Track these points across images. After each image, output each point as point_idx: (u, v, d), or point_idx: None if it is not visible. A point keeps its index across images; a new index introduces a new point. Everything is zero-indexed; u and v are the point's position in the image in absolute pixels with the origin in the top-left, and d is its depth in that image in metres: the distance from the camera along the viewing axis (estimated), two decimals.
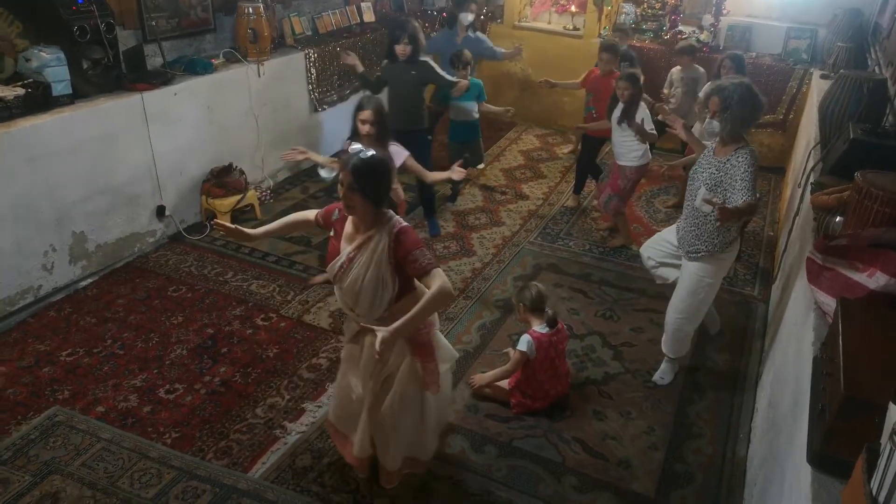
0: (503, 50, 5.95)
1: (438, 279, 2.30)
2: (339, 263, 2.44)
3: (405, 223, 2.41)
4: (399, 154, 3.68)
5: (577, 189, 5.62)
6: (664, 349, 3.53)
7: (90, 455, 2.96)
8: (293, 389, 3.43)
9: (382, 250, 2.35)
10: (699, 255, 3.20)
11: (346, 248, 2.44)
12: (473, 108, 5.37)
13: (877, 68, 4.44)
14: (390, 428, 2.63)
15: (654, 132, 4.58)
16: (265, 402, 3.33)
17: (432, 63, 4.78)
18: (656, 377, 3.57)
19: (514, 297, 3.46)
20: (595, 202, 5.64)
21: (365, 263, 2.37)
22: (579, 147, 5.93)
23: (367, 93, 4.66)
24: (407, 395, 2.60)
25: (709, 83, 3.31)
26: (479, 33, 5.89)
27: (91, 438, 3.05)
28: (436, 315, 2.64)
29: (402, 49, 4.60)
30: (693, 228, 3.20)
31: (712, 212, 3.00)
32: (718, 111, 2.97)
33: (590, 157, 5.50)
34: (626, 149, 4.66)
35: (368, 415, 2.64)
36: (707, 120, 3.06)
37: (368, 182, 2.30)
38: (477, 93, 5.33)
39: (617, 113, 4.59)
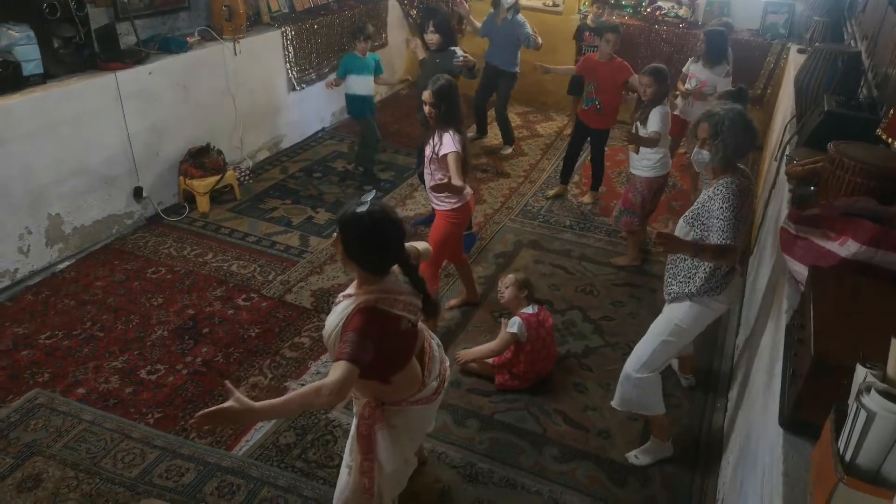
0: (535, 37, 5.66)
1: (335, 374, 1.85)
2: (335, 300, 2.18)
3: (372, 305, 2.00)
4: (448, 146, 3.35)
5: (565, 177, 5.33)
6: (614, 402, 2.98)
7: (72, 436, 2.96)
8: (276, 368, 3.43)
9: (345, 315, 2.02)
10: (672, 296, 2.79)
11: (346, 291, 2.16)
12: (366, 81, 5.21)
13: (852, 42, 4.47)
14: None
15: (657, 134, 4.02)
16: (248, 382, 3.34)
17: (459, 52, 4.56)
18: (631, 457, 3.00)
19: (511, 287, 3.39)
20: (579, 189, 5.65)
21: (336, 313, 2.09)
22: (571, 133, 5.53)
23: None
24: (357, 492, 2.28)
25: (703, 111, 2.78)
26: (518, 16, 5.71)
27: (72, 420, 3.04)
28: (394, 415, 2.20)
29: (429, 38, 4.49)
30: (671, 266, 2.83)
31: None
32: (708, 138, 2.64)
33: (597, 150, 5.14)
34: (638, 155, 4.17)
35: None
36: (695, 150, 2.73)
37: (345, 237, 2.04)
38: (373, 67, 5.20)
39: (661, 120, 4.04)
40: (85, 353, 3.47)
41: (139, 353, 3.49)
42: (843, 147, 2.44)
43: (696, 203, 2.73)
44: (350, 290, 2.14)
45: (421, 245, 2.38)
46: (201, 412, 1.75)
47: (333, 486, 2.75)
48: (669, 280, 2.82)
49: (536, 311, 3.35)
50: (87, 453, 2.88)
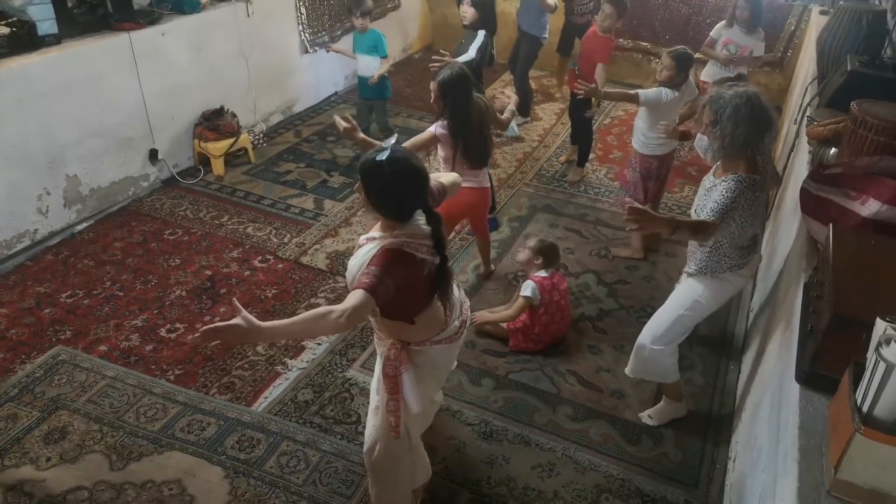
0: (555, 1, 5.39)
1: (348, 302, 1.85)
2: (358, 242, 2.20)
3: (398, 248, 2.00)
4: (431, 128, 3.28)
5: (581, 160, 5.05)
6: (628, 370, 2.96)
7: (95, 391, 3.03)
8: None
9: (369, 257, 2.02)
10: (693, 272, 2.74)
11: (368, 234, 2.18)
12: (373, 63, 4.89)
13: (877, 1, 4.37)
14: (369, 463, 2.38)
15: (625, 94, 3.93)
16: None
17: (481, 36, 4.35)
18: (645, 417, 3.03)
19: (527, 249, 3.41)
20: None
21: (358, 256, 2.11)
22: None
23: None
24: (384, 431, 2.30)
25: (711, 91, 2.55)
26: None
27: (95, 376, 3.11)
28: (417, 355, 2.23)
29: (463, 10, 4.32)
30: (691, 249, 2.76)
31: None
32: (709, 125, 2.45)
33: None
34: (636, 129, 4.00)
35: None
36: (698, 136, 2.60)
37: (366, 184, 2.04)
38: (373, 45, 4.85)
39: (653, 96, 3.80)
40: (105, 311, 3.53)
41: (158, 312, 3.55)
42: (867, 106, 2.41)
43: (705, 185, 2.62)
44: (374, 232, 2.15)
45: (447, 178, 2.34)
46: (206, 327, 1.75)
47: (351, 441, 2.84)
48: (689, 261, 2.76)
49: (550, 274, 3.36)
50: (111, 408, 2.95)
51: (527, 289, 3.30)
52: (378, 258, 1.97)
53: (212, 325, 1.75)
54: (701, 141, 2.60)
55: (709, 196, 2.51)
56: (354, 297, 1.87)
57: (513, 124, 3.63)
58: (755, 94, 2.40)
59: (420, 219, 2.09)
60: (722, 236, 2.53)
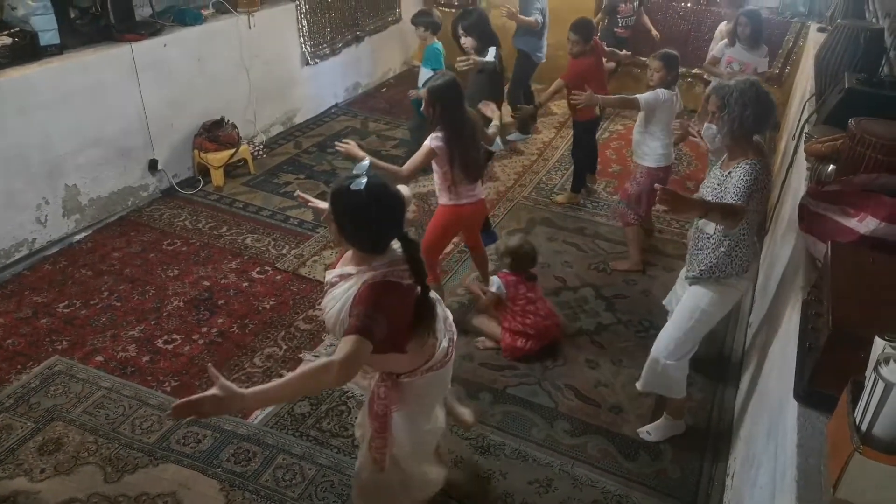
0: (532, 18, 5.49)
1: (341, 351, 1.70)
2: (327, 279, 2.05)
3: (384, 279, 1.86)
4: (427, 142, 3.18)
5: (576, 186, 4.94)
6: (640, 384, 2.95)
7: (91, 403, 3.01)
8: (290, 340, 3.47)
9: (350, 297, 1.88)
10: (695, 278, 2.73)
11: (338, 269, 2.02)
12: (426, 76, 4.79)
13: (874, 19, 4.40)
14: (357, 483, 2.32)
15: (611, 97, 4.06)
16: (263, 352, 3.37)
17: (493, 52, 4.41)
18: (643, 433, 3.02)
19: (507, 246, 3.57)
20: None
21: (335, 297, 1.95)
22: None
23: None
24: (368, 462, 2.21)
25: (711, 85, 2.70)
26: None
27: (91, 387, 3.09)
28: (409, 388, 2.09)
29: (463, 42, 4.36)
30: (695, 251, 2.73)
31: (715, 233, 2.61)
32: (717, 111, 2.54)
33: (584, 143, 4.90)
34: (637, 141, 3.99)
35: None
36: (705, 125, 2.69)
37: (338, 215, 1.89)
38: (426, 58, 4.78)
39: (651, 96, 3.84)
40: (102, 322, 3.52)
41: (156, 322, 3.54)
42: (865, 123, 2.42)
43: (714, 180, 2.63)
44: (347, 268, 1.97)
45: (403, 191, 2.17)
46: (178, 402, 1.56)
47: (347, 454, 2.82)
48: (694, 265, 2.73)
49: (516, 275, 3.48)
50: (106, 419, 2.93)
51: (493, 285, 3.47)
52: (363, 297, 1.81)
53: (184, 400, 1.56)
54: (709, 129, 2.67)
55: (723, 188, 2.53)
56: (347, 344, 1.71)
57: (497, 139, 3.65)
58: (757, 81, 2.54)
59: (395, 245, 1.96)
60: (744, 223, 2.54)
